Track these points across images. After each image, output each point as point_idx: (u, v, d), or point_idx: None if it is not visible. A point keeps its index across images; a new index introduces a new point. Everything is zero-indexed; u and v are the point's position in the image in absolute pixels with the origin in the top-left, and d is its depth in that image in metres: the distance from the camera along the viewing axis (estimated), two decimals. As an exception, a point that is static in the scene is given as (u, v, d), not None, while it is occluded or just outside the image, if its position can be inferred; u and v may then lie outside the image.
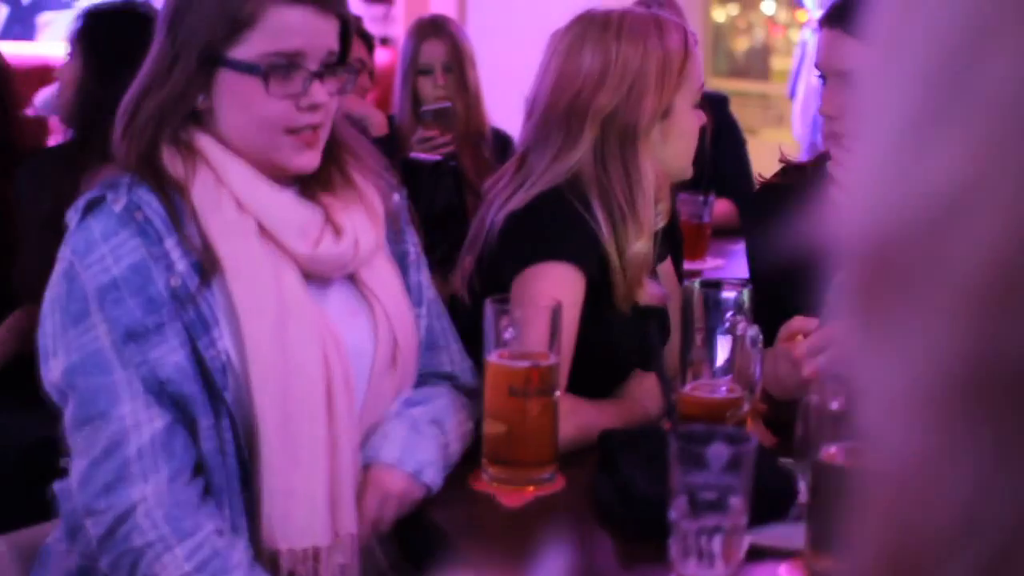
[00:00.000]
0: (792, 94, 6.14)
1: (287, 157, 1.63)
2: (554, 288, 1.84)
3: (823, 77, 2.02)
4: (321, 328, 1.60)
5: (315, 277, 1.66)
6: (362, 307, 1.70)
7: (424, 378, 1.79)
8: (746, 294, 1.76)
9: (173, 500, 1.50)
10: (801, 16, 8.70)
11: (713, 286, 1.78)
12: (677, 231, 2.39)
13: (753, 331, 1.73)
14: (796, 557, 1.43)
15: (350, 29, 1.69)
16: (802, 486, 1.46)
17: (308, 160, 1.65)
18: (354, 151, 1.76)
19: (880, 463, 0.40)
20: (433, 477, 1.66)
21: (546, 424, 1.66)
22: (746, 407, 1.75)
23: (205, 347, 1.54)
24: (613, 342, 1.93)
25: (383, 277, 1.72)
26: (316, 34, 1.62)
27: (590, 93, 1.94)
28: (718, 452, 1.35)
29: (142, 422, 1.51)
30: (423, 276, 1.84)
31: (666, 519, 1.49)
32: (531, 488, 1.65)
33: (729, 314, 1.76)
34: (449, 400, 1.78)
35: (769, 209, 2.18)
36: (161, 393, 1.52)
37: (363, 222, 1.69)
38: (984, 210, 0.35)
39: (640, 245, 1.93)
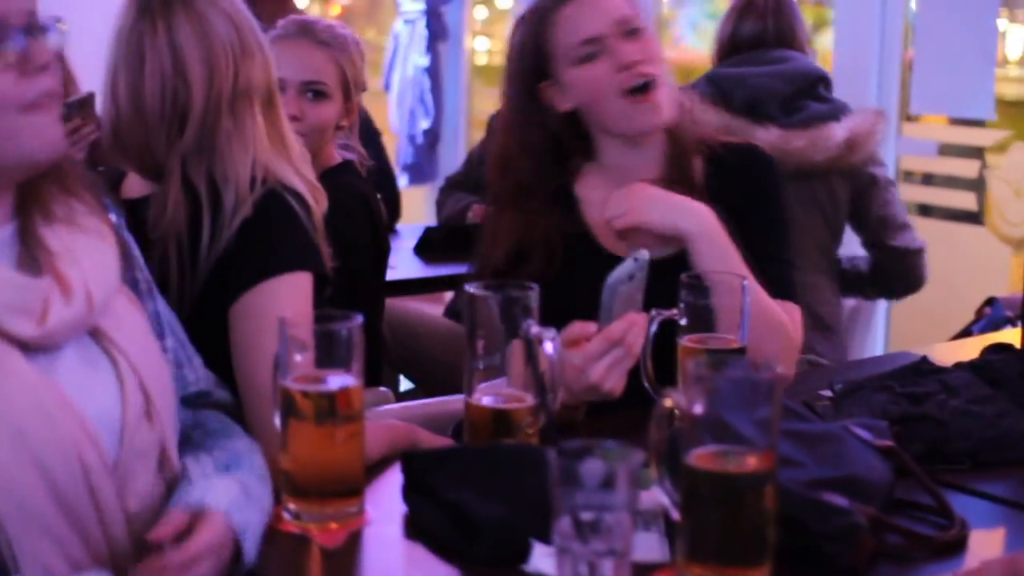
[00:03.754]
0: (387, 86, 6.12)
1: (30, 145, 1.39)
2: (301, 299, 1.75)
3: None
4: (68, 421, 1.35)
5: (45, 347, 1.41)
6: (103, 363, 1.45)
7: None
8: (532, 295, 1.68)
9: None
10: (335, 9, 8.71)
11: (496, 288, 1.69)
12: None
13: (550, 333, 1.66)
14: (666, 569, 1.37)
15: None
16: (658, 493, 1.39)
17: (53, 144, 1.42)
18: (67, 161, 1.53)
19: None
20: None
21: (354, 452, 1.51)
22: (544, 417, 1.67)
23: None
24: None
25: (124, 320, 1.49)
26: None
27: (244, 67, 1.83)
28: (592, 469, 1.27)
29: None
30: (159, 303, 1.64)
31: (514, 541, 1.40)
32: (334, 525, 1.50)
33: (518, 317, 1.68)
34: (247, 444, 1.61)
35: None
36: None
37: (93, 261, 1.46)
38: None
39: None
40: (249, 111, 1.81)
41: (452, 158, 6.15)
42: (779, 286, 2.04)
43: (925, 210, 4.48)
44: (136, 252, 1.63)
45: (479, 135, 6.44)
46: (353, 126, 2.78)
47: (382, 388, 2.55)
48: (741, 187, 2.08)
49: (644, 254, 1.75)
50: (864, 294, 3.38)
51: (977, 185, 4.17)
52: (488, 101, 6.52)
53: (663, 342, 1.80)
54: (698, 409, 1.31)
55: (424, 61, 5.86)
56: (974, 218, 4.23)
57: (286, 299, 1.73)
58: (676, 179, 2.11)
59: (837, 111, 3.11)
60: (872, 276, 3.28)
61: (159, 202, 1.79)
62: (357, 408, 1.50)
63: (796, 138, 3.04)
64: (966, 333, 2.91)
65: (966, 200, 4.26)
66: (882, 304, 4.05)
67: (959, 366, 2.00)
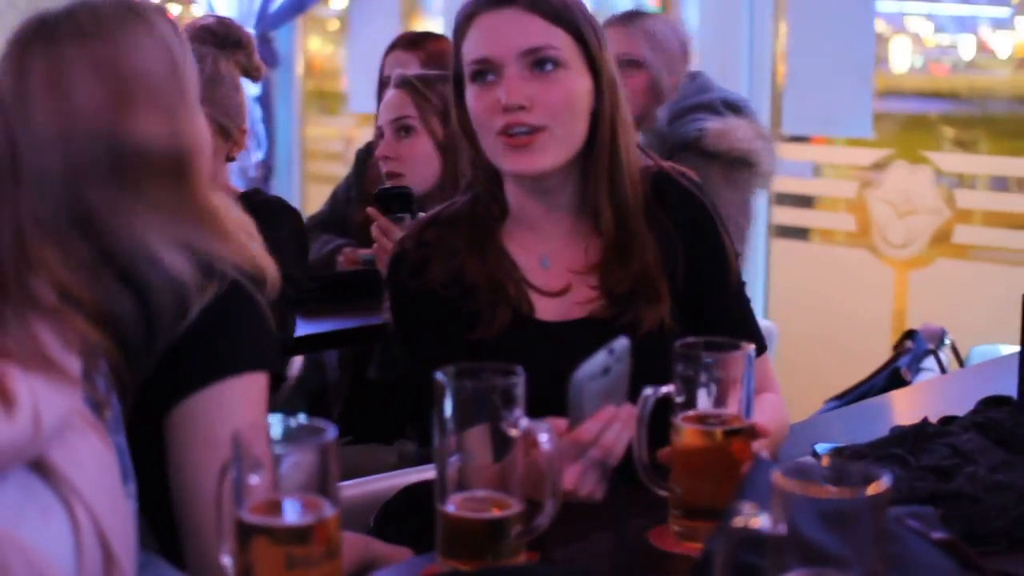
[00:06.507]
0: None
1: None
2: (256, 406, 1.46)
3: None
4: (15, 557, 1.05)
5: None
6: (53, 506, 1.14)
7: None
8: (518, 380, 1.41)
9: None
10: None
11: (472, 373, 1.41)
12: None
13: (543, 427, 1.39)
14: None
15: None
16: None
17: None
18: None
19: None
20: None
21: (334, 594, 1.22)
22: (542, 521, 1.41)
23: None
24: None
25: (83, 454, 1.19)
26: None
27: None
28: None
29: None
30: (121, 437, 1.32)
31: None
32: None
33: (499, 407, 1.40)
34: None
35: None
36: None
37: (46, 386, 1.15)
38: None
39: None
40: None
41: (287, 191, 5.82)
42: (748, 332, 1.84)
43: (803, 233, 4.36)
44: (103, 375, 1.30)
45: (315, 166, 6.14)
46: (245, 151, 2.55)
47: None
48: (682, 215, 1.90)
49: (622, 342, 1.49)
50: None
51: (856, 206, 4.05)
52: (322, 129, 6.21)
53: (660, 418, 1.55)
54: (781, 529, 1.07)
55: (255, 90, 5.51)
56: (854, 240, 4.11)
57: (240, 405, 1.43)
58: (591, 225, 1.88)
59: None
60: None
61: None
62: (336, 543, 1.21)
63: None
64: (894, 370, 2.75)
65: (845, 222, 4.14)
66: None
67: (953, 423, 1.80)
